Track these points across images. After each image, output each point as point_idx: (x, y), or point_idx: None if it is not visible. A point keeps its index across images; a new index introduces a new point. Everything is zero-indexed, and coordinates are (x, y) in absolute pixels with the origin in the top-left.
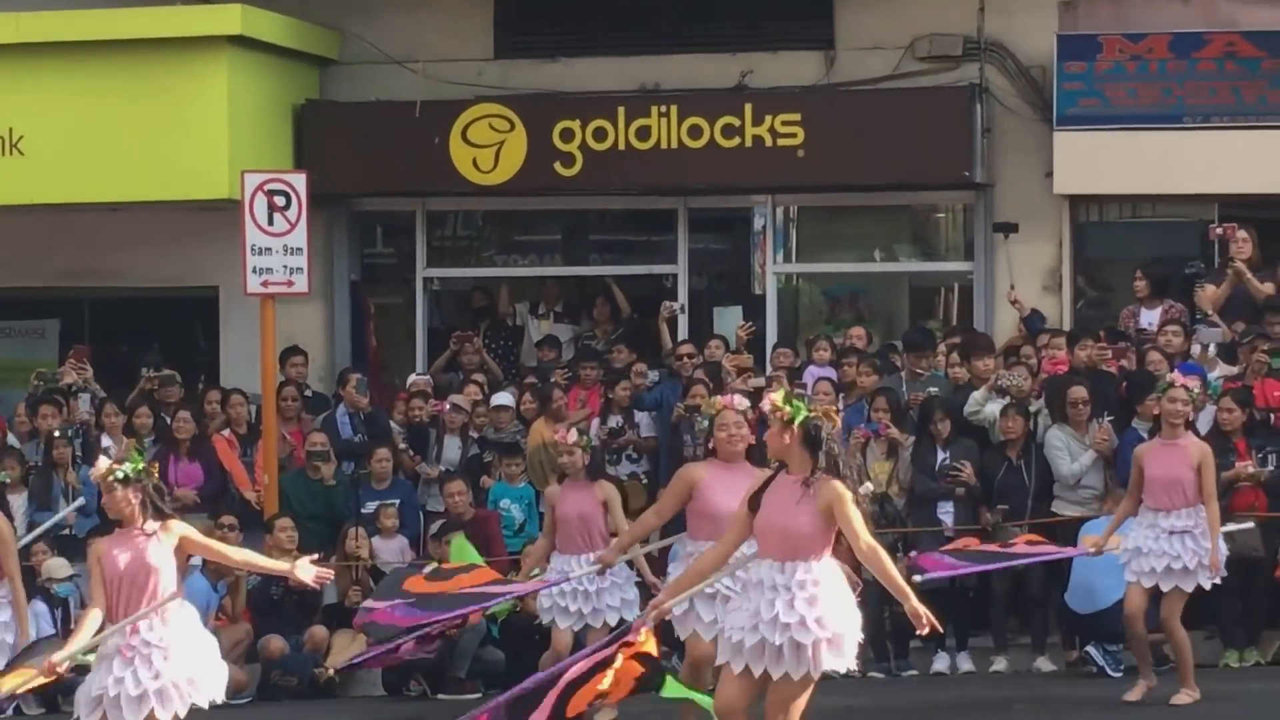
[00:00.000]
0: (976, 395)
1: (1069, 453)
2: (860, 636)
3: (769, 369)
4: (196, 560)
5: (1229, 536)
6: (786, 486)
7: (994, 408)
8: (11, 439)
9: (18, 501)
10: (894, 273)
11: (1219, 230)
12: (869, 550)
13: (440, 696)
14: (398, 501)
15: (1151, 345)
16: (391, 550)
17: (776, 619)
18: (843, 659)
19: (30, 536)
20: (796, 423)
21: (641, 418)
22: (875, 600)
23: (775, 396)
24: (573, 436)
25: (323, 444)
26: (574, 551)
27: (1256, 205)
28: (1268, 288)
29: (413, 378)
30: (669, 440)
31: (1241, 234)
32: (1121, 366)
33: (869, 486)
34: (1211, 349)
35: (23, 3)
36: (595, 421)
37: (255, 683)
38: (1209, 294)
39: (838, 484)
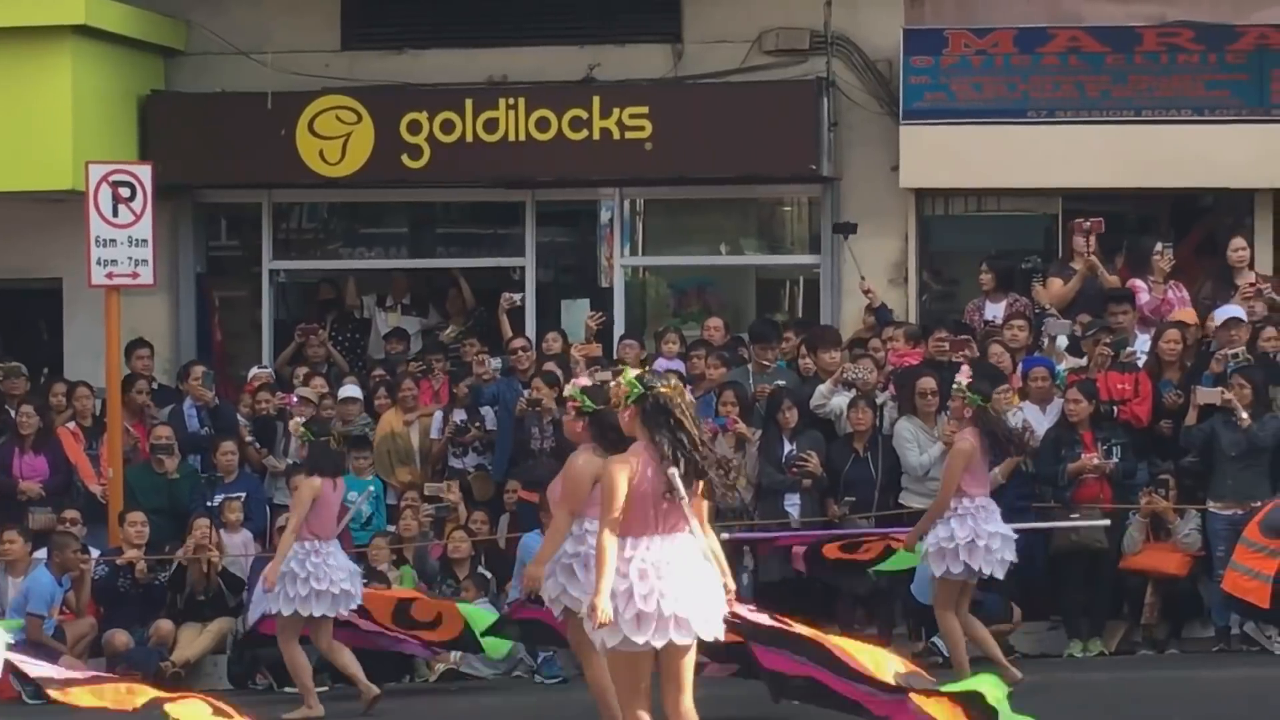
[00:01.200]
0: (823, 388)
1: (918, 444)
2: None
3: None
4: (41, 554)
5: (1072, 529)
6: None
7: (841, 400)
8: None
9: None
10: (741, 266)
11: (1086, 224)
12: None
13: (287, 689)
14: (243, 495)
15: (995, 339)
16: (235, 544)
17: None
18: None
19: None
20: (631, 399)
21: (485, 410)
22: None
23: (623, 376)
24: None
25: (167, 437)
26: None
27: (1099, 199)
28: (1114, 279)
29: (254, 370)
30: (515, 434)
31: (1085, 224)
32: (964, 358)
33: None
34: (1060, 341)
35: None
36: (438, 415)
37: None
38: (1054, 289)
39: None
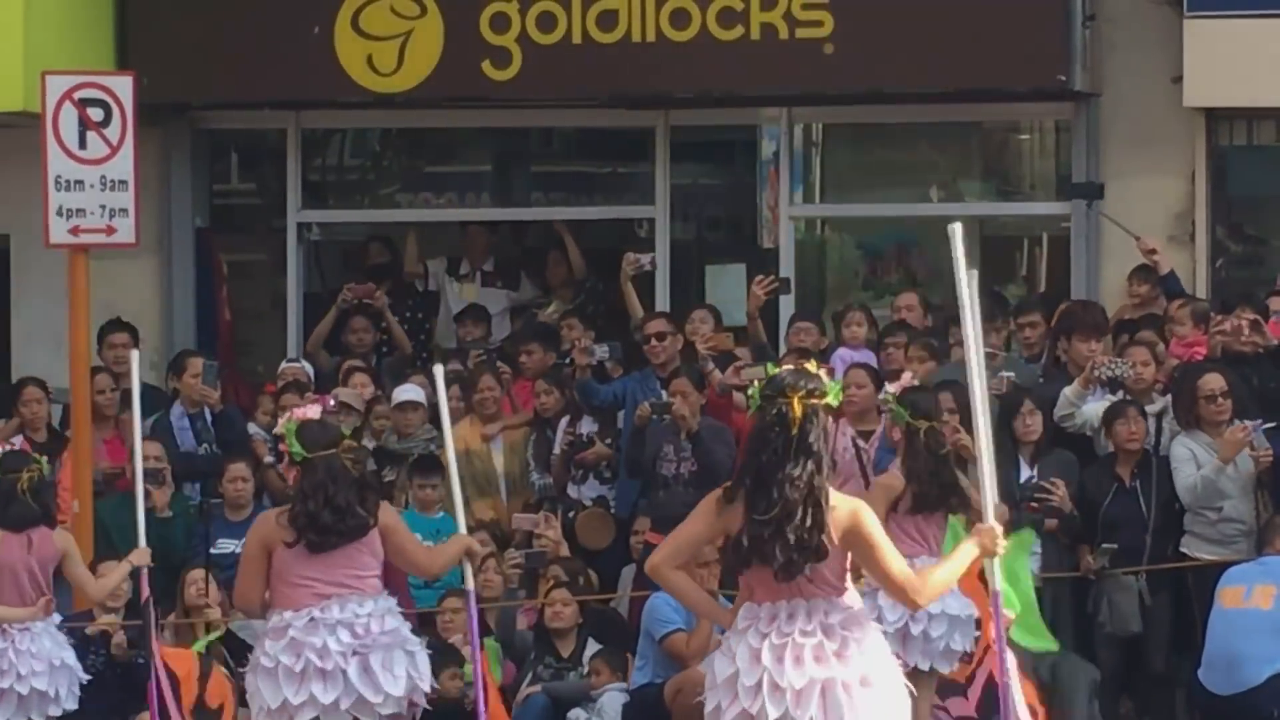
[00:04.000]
0: (1069, 392)
1: (1197, 465)
2: None
3: (783, 351)
4: None
5: None
6: None
7: (1097, 407)
8: None
9: None
10: (960, 217)
11: None
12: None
13: None
14: None
15: None
16: None
17: None
18: None
19: None
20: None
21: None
22: None
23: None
24: None
25: (155, 458)
26: None
27: None
28: None
29: (284, 365)
30: (628, 451)
31: None
32: (1253, 345)
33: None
34: None
35: None
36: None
37: None
38: None
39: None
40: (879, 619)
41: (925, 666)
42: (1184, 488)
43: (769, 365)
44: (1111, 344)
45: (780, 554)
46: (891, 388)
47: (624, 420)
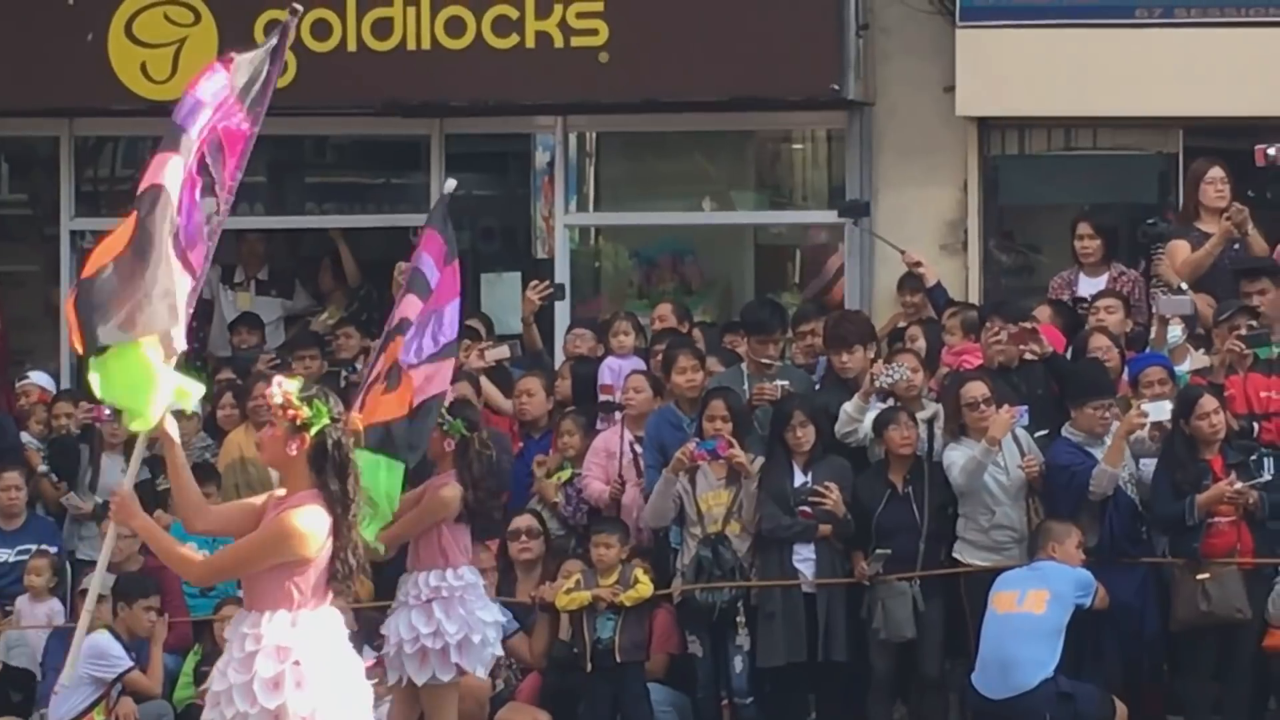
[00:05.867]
0: (849, 407)
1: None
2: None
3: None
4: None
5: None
6: None
7: (871, 415)
8: None
9: None
10: (734, 226)
11: (1271, 151)
12: None
13: None
14: (32, 548)
15: (1099, 328)
16: (38, 615)
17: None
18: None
19: None
20: (313, 431)
21: None
22: (707, 684)
23: (288, 387)
24: None
25: None
26: None
27: (1234, 133)
28: (1263, 245)
29: (26, 380)
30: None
31: (1214, 170)
32: (1034, 354)
33: None
34: (1173, 331)
35: None
36: None
37: None
38: (1177, 256)
39: None
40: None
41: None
42: (959, 471)
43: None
44: (887, 349)
45: None
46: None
47: None
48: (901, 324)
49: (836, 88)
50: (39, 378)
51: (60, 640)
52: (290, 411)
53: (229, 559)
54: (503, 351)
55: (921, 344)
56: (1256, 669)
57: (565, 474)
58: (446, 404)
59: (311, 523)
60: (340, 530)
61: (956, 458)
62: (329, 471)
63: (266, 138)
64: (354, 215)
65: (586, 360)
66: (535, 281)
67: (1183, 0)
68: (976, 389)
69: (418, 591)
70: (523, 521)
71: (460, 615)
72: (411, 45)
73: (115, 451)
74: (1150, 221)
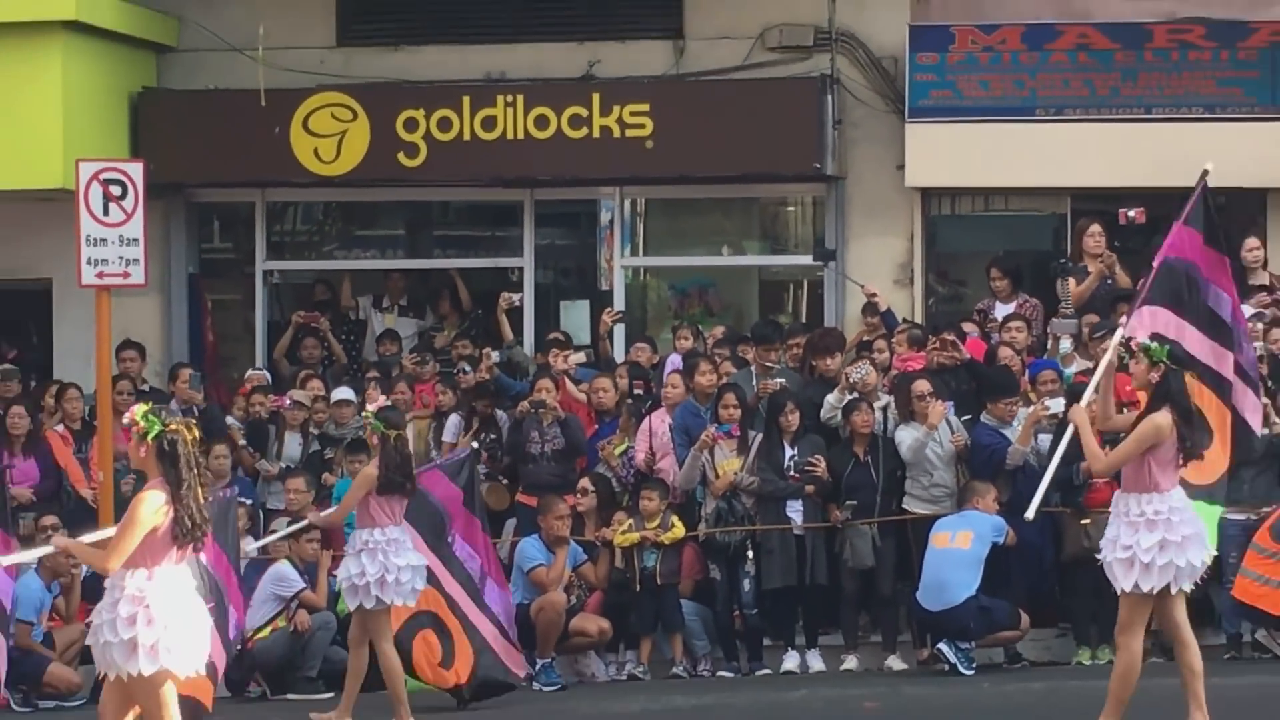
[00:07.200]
0: (831, 398)
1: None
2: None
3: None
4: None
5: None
6: None
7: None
8: None
9: None
10: (743, 267)
11: (1131, 213)
12: None
13: (290, 696)
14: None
15: (1004, 342)
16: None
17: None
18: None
19: None
20: (151, 436)
21: (501, 417)
22: (724, 600)
23: (135, 410)
24: None
25: None
26: None
27: (1109, 199)
28: (1127, 279)
29: (250, 372)
30: (513, 436)
31: (1095, 227)
32: (952, 359)
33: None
34: (1064, 343)
35: None
36: (453, 418)
37: (90, 685)
38: (1074, 289)
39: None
40: (361, 572)
41: (399, 602)
42: (907, 448)
43: None
44: (853, 357)
45: None
46: (371, 406)
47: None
48: (866, 338)
49: (819, 166)
50: (257, 374)
51: (255, 569)
52: (136, 427)
53: (117, 545)
54: (580, 357)
55: (885, 354)
56: None
57: (622, 446)
58: (376, 408)
59: (149, 503)
60: (177, 503)
61: (905, 437)
62: (166, 463)
63: (405, 203)
64: (467, 259)
65: (639, 366)
66: (609, 309)
67: (1069, 103)
68: (921, 386)
69: (355, 544)
70: (583, 481)
71: (380, 562)
72: (510, 135)
73: (294, 430)
74: (1061, 260)
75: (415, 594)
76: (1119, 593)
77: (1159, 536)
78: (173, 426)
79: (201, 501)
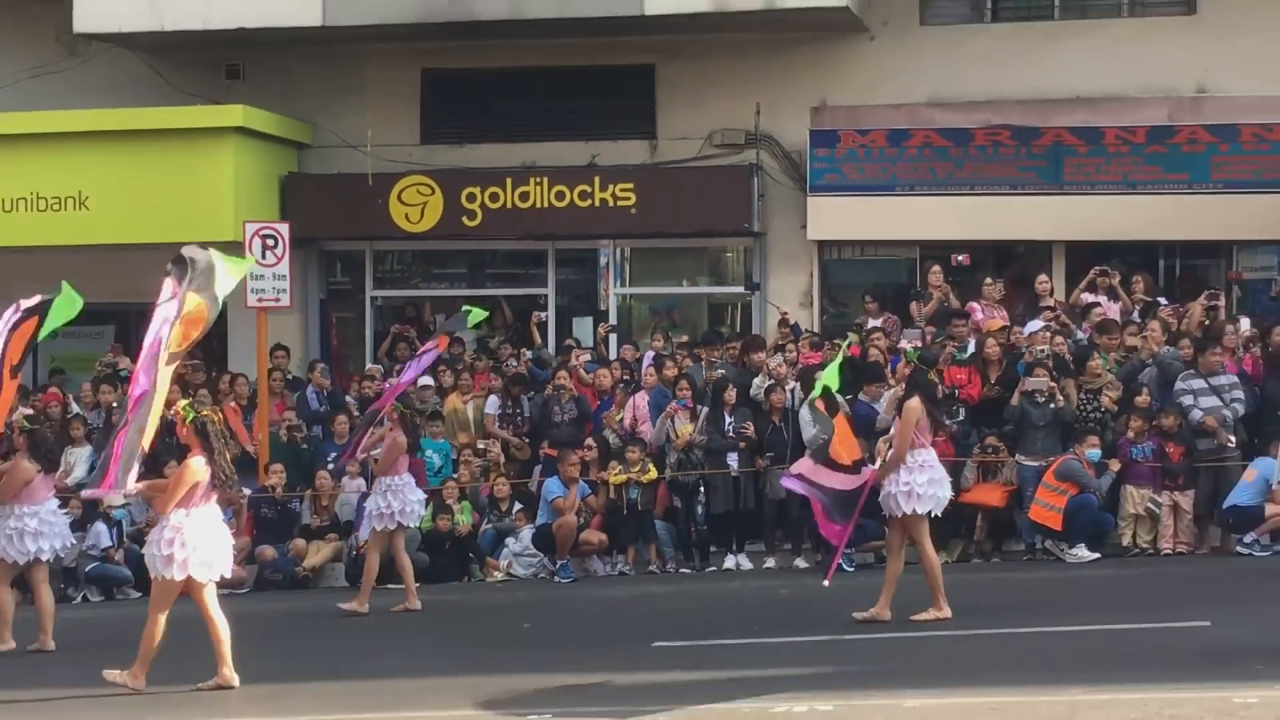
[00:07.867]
0: (757, 382)
1: (813, 424)
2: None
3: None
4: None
5: None
6: None
7: (768, 387)
8: (78, 408)
9: (84, 453)
10: (697, 294)
11: (960, 257)
12: None
13: (389, 586)
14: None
15: (873, 344)
16: (351, 487)
17: None
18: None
19: None
20: (189, 420)
21: (526, 400)
22: (684, 520)
23: (179, 403)
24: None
25: (293, 418)
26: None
27: (946, 248)
28: (956, 303)
29: (368, 366)
30: (543, 409)
31: (936, 267)
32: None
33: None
34: (910, 348)
35: (89, 100)
36: (492, 399)
37: (253, 579)
38: (921, 309)
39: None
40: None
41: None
42: (807, 437)
43: None
44: (773, 354)
45: None
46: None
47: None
48: (780, 342)
49: (748, 226)
50: (373, 367)
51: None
52: (179, 415)
53: (171, 494)
54: (587, 356)
55: (793, 355)
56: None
57: (618, 416)
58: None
59: (193, 467)
60: (212, 464)
61: (806, 417)
62: (201, 437)
63: (467, 251)
64: (509, 289)
65: (626, 361)
66: (606, 323)
67: (919, 183)
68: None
69: (380, 486)
70: (589, 440)
71: (401, 498)
72: (539, 205)
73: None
74: (914, 289)
75: (420, 518)
76: (899, 516)
77: (927, 476)
78: (204, 413)
79: (229, 461)
